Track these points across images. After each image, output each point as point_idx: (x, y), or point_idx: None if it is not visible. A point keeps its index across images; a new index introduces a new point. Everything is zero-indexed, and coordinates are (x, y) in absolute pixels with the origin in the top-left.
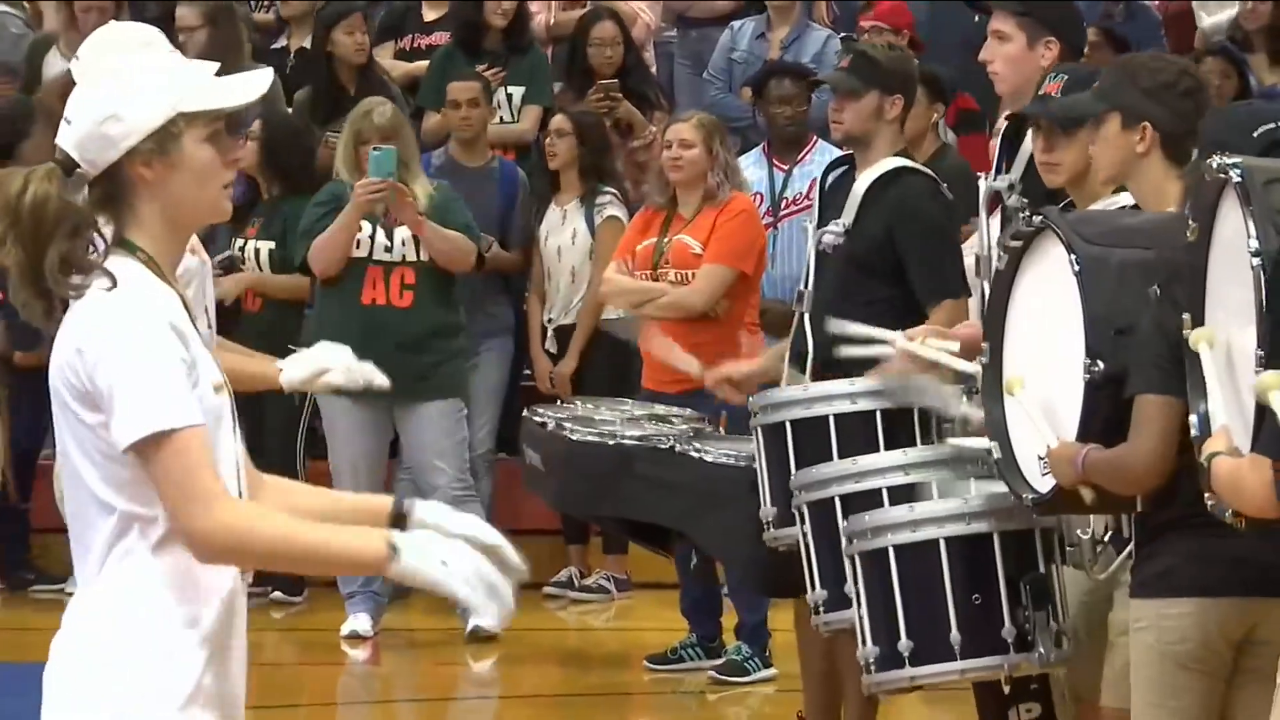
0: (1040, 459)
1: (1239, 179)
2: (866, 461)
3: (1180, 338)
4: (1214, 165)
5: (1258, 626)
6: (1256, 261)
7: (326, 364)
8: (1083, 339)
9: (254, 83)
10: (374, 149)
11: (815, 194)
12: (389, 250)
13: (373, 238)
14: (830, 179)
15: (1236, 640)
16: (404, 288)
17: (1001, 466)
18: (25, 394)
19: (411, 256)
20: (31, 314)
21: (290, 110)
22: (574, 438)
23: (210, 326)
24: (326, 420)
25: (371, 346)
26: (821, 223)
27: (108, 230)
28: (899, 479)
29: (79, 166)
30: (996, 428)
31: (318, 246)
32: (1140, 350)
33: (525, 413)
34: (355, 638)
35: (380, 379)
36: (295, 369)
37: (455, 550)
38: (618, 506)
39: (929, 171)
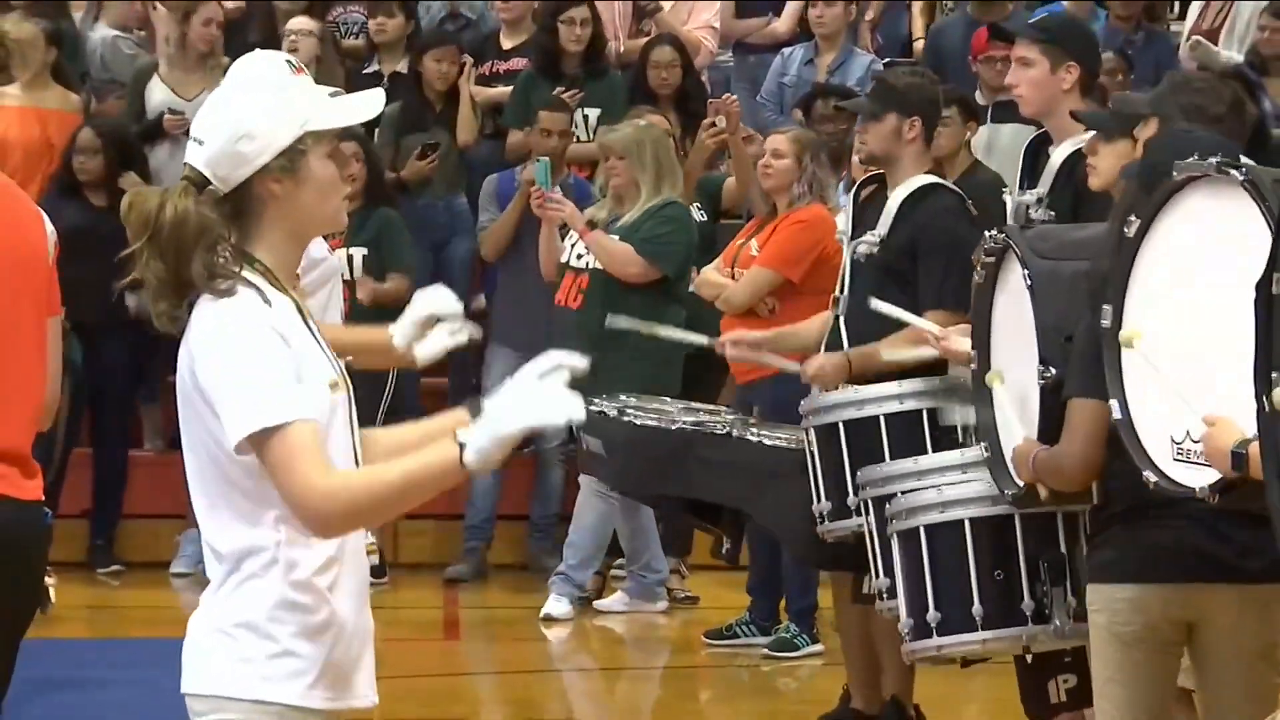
0: None
1: (1245, 176)
2: (927, 461)
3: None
4: (1213, 164)
5: (1204, 609)
6: None
7: (425, 311)
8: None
9: (371, 101)
10: (536, 160)
11: (848, 208)
12: (579, 258)
13: (573, 246)
14: (862, 195)
15: (1185, 621)
16: (579, 292)
17: (990, 464)
18: None
19: (593, 264)
20: (165, 323)
21: (379, 126)
22: (637, 422)
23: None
24: None
25: (557, 343)
26: (855, 235)
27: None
28: (957, 477)
29: (210, 183)
30: (986, 428)
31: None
32: (1073, 356)
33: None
34: (549, 620)
35: (473, 332)
36: (400, 329)
37: (508, 397)
38: (680, 487)
39: (957, 190)
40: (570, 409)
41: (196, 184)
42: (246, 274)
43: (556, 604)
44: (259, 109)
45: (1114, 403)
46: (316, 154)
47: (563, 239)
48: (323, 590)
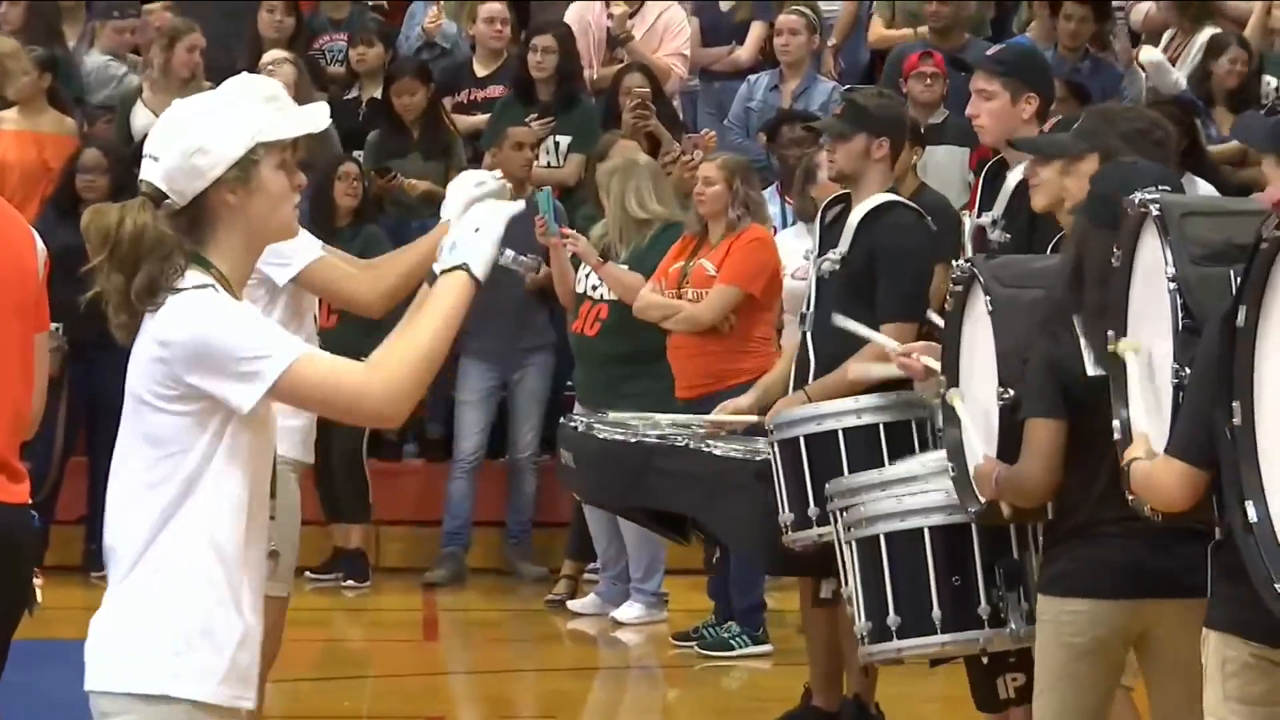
0: None
1: (1158, 213)
2: (891, 472)
3: (1060, 364)
4: (1136, 201)
5: (1153, 624)
6: (1172, 285)
7: (463, 197)
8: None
9: (316, 115)
10: (537, 190)
11: (815, 228)
12: (595, 289)
13: (587, 276)
14: (829, 214)
15: (1134, 635)
16: (596, 320)
17: (956, 483)
18: None
19: (610, 295)
20: (125, 336)
21: (363, 151)
22: (601, 436)
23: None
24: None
25: (580, 366)
26: (821, 253)
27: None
28: (919, 488)
29: (167, 197)
30: (954, 448)
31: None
32: (1029, 378)
33: (562, 419)
34: (615, 623)
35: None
36: (450, 208)
37: (471, 215)
38: (643, 498)
39: (914, 205)
40: (510, 206)
41: (154, 199)
42: (199, 274)
43: (628, 608)
44: (210, 123)
45: (1116, 423)
46: (268, 164)
47: (576, 268)
48: (227, 592)
